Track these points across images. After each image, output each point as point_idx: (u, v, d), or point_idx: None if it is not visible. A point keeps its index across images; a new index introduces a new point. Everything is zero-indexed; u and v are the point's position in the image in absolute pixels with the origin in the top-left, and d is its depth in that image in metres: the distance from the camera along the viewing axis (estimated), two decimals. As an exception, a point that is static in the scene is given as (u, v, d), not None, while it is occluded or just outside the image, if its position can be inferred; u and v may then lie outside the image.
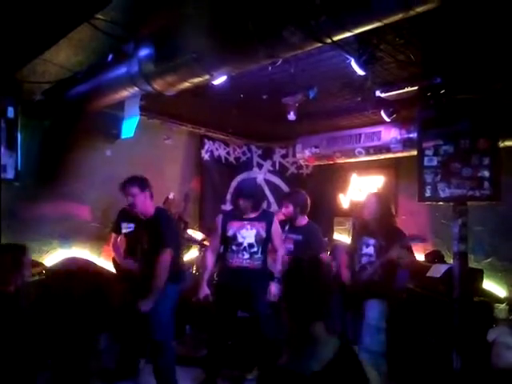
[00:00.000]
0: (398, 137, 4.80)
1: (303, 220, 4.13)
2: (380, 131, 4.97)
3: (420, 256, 4.77)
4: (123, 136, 4.41)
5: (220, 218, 3.69)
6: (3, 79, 3.42)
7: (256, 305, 3.54)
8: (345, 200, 6.21)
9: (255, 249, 3.54)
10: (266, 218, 3.65)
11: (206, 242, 4.98)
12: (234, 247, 3.55)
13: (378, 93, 3.94)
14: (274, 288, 3.52)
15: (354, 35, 2.26)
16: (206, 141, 6.13)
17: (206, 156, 6.13)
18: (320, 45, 2.30)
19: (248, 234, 3.55)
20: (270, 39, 2.30)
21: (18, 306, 0.99)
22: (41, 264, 4.10)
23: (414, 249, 3.62)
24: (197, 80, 2.86)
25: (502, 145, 3.52)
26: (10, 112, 3.56)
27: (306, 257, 1.64)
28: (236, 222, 3.59)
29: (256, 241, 3.54)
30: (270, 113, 4.80)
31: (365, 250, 3.57)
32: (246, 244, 3.53)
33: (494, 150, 3.35)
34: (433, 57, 3.38)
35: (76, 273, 4.26)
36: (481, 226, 4.68)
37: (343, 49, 2.99)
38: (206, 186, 6.16)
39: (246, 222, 3.58)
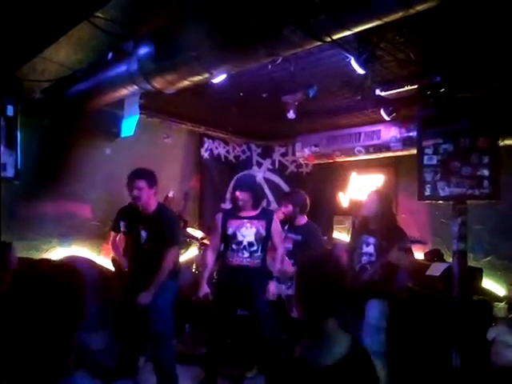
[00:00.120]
0: (398, 135, 4.80)
1: (302, 220, 4.13)
2: (380, 130, 4.97)
3: (419, 255, 4.78)
4: (123, 134, 4.40)
5: (220, 216, 3.69)
6: (3, 77, 3.42)
7: (256, 303, 3.54)
8: (344, 199, 6.21)
9: (255, 247, 3.54)
10: (266, 216, 3.64)
11: (205, 241, 4.97)
12: (233, 246, 3.55)
13: (377, 91, 3.94)
14: (272, 287, 3.53)
15: (353, 34, 2.26)
16: (205, 139, 6.12)
17: (205, 154, 6.12)
18: (320, 43, 2.30)
19: (248, 233, 3.55)
20: (269, 38, 2.30)
21: (10, 304, 0.99)
22: (49, 260, 4.07)
23: (413, 248, 3.60)
24: (196, 78, 2.86)
25: (501, 143, 3.51)
26: (10, 110, 3.56)
27: (319, 253, 1.64)
28: (236, 221, 3.59)
29: (256, 239, 3.54)
30: (270, 111, 4.79)
31: (365, 249, 3.54)
32: (245, 242, 3.53)
33: (494, 148, 3.35)
34: (433, 55, 3.38)
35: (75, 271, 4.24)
36: (480, 225, 4.69)
37: (343, 47, 2.98)
38: (205, 185, 6.15)
39: (245, 221, 3.57)
